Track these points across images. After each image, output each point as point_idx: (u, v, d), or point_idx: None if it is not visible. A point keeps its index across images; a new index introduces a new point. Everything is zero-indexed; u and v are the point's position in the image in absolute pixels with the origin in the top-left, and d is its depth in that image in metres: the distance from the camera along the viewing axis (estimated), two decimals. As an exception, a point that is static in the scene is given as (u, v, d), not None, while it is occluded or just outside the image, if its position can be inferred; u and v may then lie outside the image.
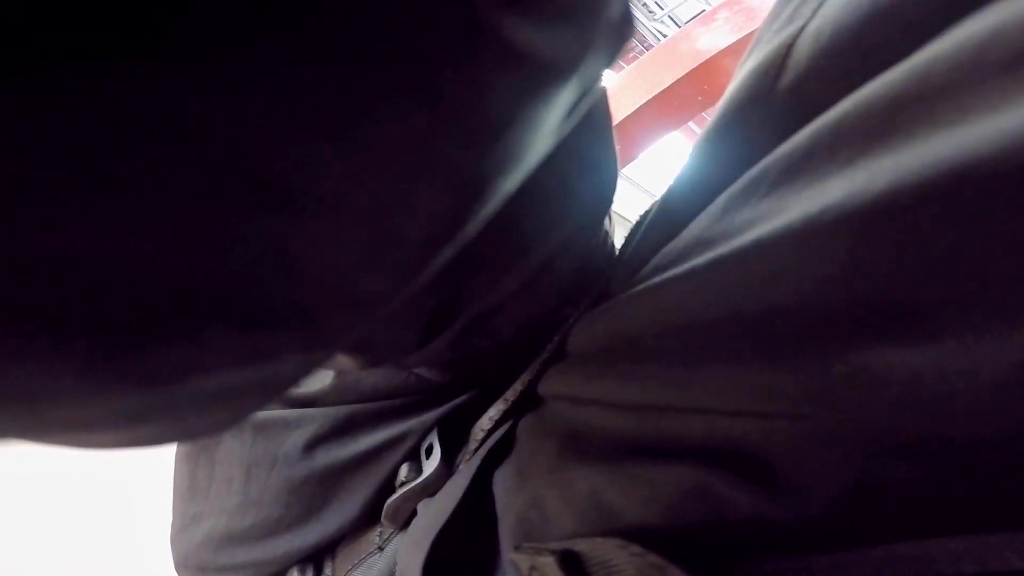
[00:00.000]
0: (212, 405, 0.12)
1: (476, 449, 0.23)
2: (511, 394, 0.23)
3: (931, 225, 0.10)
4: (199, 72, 0.07)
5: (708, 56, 1.02)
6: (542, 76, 0.11)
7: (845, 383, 0.11)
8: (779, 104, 0.14)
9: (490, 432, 0.23)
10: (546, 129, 0.12)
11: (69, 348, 0.08)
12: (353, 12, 0.08)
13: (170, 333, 0.09)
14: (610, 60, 0.13)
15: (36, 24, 0.06)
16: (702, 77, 1.04)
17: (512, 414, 0.23)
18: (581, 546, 0.14)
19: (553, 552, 0.14)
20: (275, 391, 0.13)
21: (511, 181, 0.12)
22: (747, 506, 0.13)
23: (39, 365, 0.08)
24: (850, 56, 0.13)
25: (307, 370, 0.13)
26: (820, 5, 0.14)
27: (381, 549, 0.24)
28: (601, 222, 0.25)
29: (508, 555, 0.17)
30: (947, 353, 0.10)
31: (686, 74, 1.03)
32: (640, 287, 0.16)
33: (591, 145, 0.20)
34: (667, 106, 1.06)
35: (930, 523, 0.11)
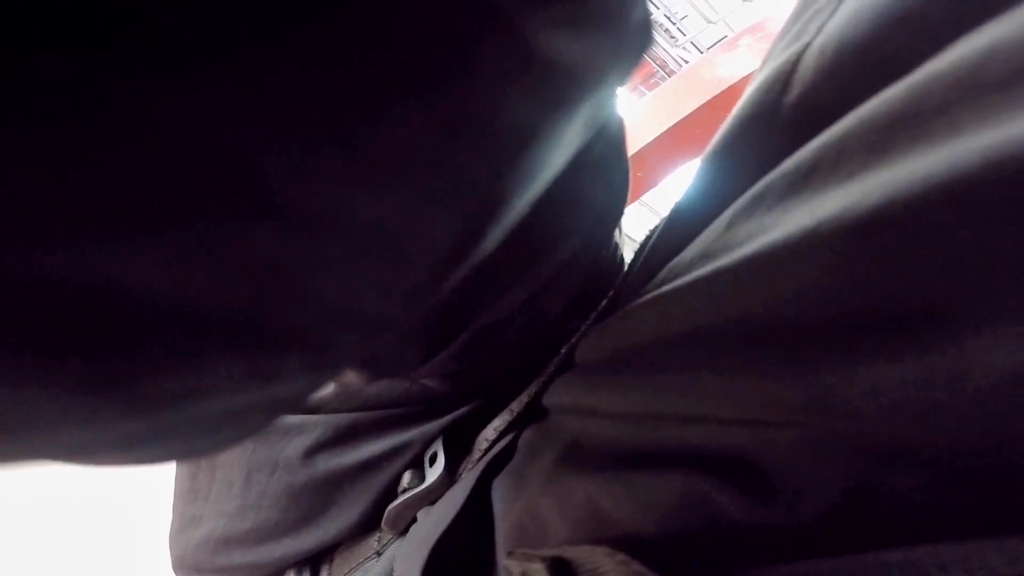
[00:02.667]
0: (215, 426, 0.12)
1: (480, 459, 0.23)
2: (516, 405, 0.23)
3: (921, 238, 0.10)
4: (178, 70, 0.06)
5: (730, 83, 1.02)
6: (566, 86, 0.10)
7: (838, 392, 0.11)
8: (785, 119, 0.14)
9: (494, 443, 0.23)
10: (565, 142, 0.12)
11: (66, 376, 0.08)
12: (364, 13, 0.07)
13: (169, 359, 0.09)
14: (630, 71, 0.13)
15: None
16: (724, 104, 1.04)
17: (516, 425, 0.23)
18: (571, 553, 0.14)
19: (543, 559, 0.14)
20: (279, 411, 0.12)
21: (527, 198, 0.12)
22: (742, 513, 0.13)
23: (35, 392, 0.08)
24: (853, 72, 0.13)
25: (312, 389, 0.13)
26: (825, 23, 0.14)
27: (379, 554, 0.24)
28: (611, 234, 0.25)
29: (501, 562, 0.17)
30: (935, 362, 0.10)
31: (708, 101, 1.04)
32: (644, 298, 0.16)
33: (603, 157, 0.20)
34: (689, 133, 1.06)
35: (923, 530, 0.11)
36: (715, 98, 1.03)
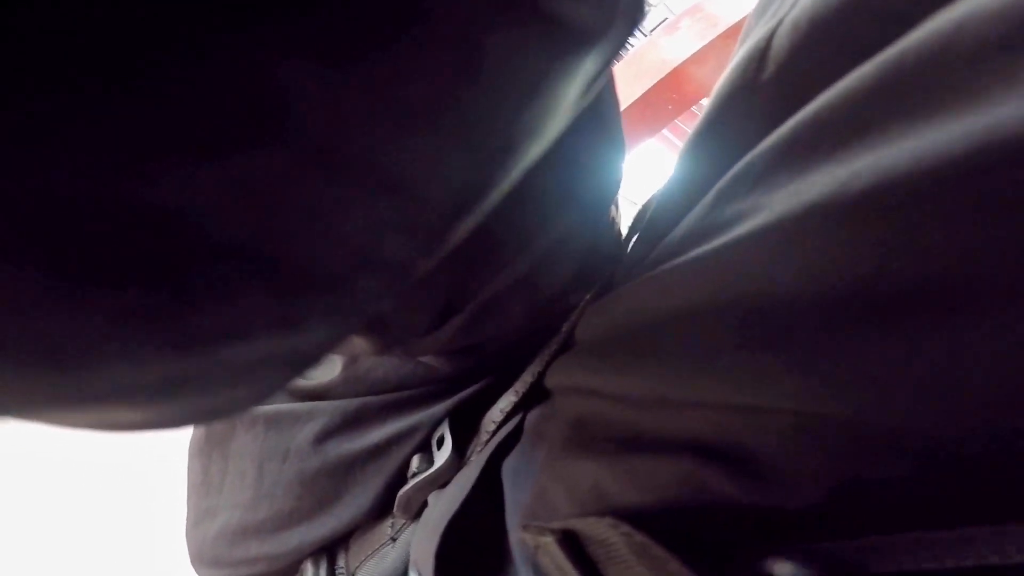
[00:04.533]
0: (239, 378, 0.12)
1: (487, 440, 0.23)
2: (520, 386, 0.23)
3: (912, 221, 0.10)
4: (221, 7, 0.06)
5: (675, 65, 1.04)
6: (570, 44, 0.11)
7: (833, 378, 0.12)
8: (763, 96, 0.15)
9: (501, 424, 0.23)
10: (567, 101, 0.12)
11: (122, 305, 0.08)
12: None
13: (209, 293, 0.09)
14: (625, 38, 0.13)
15: None
16: (671, 86, 1.05)
17: (522, 406, 0.23)
18: (578, 526, 0.14)
19: (552, 532, 0.14)
20: (299, 366, 0.12)
21: (533, 153, 0.12)
22: (739, 499, 0.13)
23: (95, 321, 0.08)
24: (827, 46, 0.13)
25: (330, 344, 0.13)
26: None
27: (394, 540, 0.24)
28: (608, 206, 0.26)
29: (516, 535, 0.18)
30: (930, 349, 0.10)
31: (655, 84, 1.05)
32: (639, 279, 0.17)
33: (598, 128, 0.20)
34: (640, 116, 1.07)
35: (917, 517, 0.11)
36: (662, 80, 1.05)
